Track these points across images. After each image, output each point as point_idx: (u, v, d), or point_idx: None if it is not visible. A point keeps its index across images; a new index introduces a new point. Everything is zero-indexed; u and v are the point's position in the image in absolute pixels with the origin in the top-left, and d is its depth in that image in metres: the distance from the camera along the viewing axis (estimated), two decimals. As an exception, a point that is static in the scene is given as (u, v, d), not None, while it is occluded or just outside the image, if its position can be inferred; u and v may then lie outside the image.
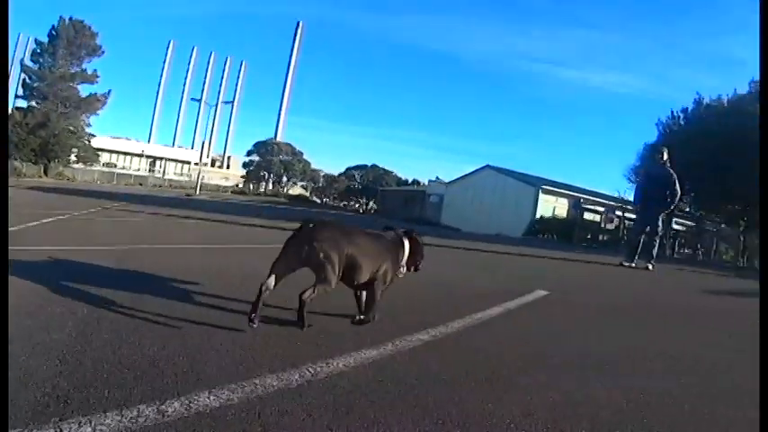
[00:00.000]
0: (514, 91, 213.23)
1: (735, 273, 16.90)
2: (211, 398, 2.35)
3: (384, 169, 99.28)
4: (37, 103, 58.61)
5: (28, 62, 61.68)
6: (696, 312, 6.85)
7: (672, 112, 31.40)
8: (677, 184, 12.21)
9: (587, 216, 31.46)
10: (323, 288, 3.48)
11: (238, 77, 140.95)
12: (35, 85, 58.94)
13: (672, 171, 12.31)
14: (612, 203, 31.39)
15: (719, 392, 3.31)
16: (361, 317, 3.84)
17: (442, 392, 2.74)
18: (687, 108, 30.70)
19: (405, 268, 4.25)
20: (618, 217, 29.27)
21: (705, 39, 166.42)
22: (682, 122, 30.16)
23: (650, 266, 12.07)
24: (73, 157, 61.84)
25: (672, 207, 12.73)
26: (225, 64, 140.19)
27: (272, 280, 3.47)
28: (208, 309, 4.00)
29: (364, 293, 3.96)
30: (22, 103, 60.46)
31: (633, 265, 12.22)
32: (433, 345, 3.59)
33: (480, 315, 4.67)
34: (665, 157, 12.55)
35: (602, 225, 30.51)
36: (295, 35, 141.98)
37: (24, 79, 60.48)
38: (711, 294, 9.64)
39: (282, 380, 2.66)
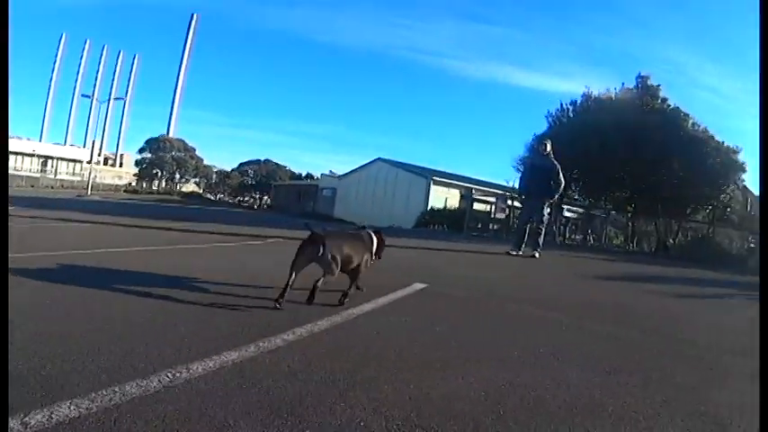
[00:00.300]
0: (404, 83, 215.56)
1: (622, 257, 17.88)
2: (72, 408, 2.35)
3: (277, 164, 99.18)
4: None
5: None
6: (568, 301, 7.15)
7: (561, 104, 32.05)
8: (560, 175, 12.73)
9: (478, 206, 32.09)
10: (330, 277, 4.89)
11: (131, 72, 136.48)
12: None
13: (555, 162, 12.82)
14: (503, 193, 32.13)
15: (576, 381, 3.51)
16: (348, 291, 5.23)
17: (297, 393, 2.82)
18: (576, 101, 31.50)
19: (375, 256, 5.81)
20: (508, 206, 30.03)
21: (599, 33, 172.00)
22: (571, 114, 30.98)
23: (537, 254, 12.57)
24: None
25: (556, 197, 13.30)
26: (118, 58, 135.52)
27: (294, 274, 4.82)
28: (62, 320, 3.93)
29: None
30: None
31: (520, 253, 12.65)
32: (297, 345, 3.66)
33: (350, 312, 4.77)
34: (549, 148, 13.04)
35: (493, 215, 31.23)
36: (189, 27, 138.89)
37: None
38: (592, 280, 10.11)
39: (141, 387, 2.67)
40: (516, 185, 30.93)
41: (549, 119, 31.81)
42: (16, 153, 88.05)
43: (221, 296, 5.02)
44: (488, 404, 2.91)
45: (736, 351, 4.89)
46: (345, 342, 3.91)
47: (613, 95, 30.30)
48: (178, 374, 2.88)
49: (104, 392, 2.57)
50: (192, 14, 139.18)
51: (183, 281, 5.71)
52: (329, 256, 4.84)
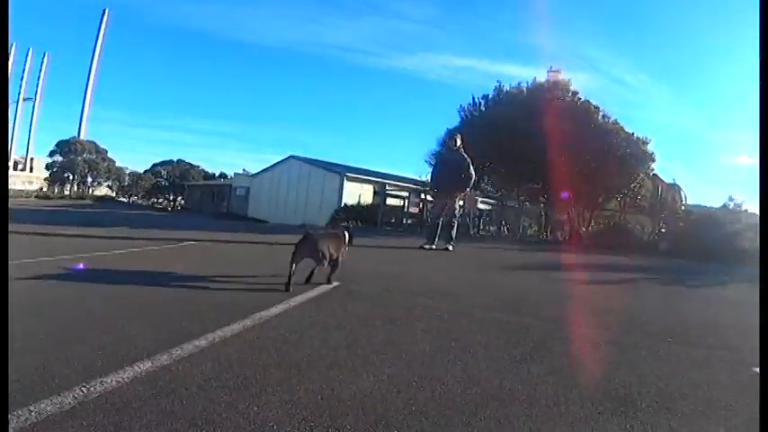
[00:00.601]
0: (317, 79, 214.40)
1: (535, 246, 18.46)
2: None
3: (190, 164, 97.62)
4: None
5: None
6: (479, 293, 7.28)
7: (473, 98, 32.71)
8: (471, 168, 13.05)
9: (391, 201, 32.27)
10: (321, 266, 6.56)
11: (41, 71, 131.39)
12: None
13: (465, 156, 13.16)
14: (415, 187, 32.46)
15: (487, 372, 3.64)
16: (330, 278, 6.78)
17: (211, 400, 2.86)
18: (488, 95, 32.15)
19: (347, 247, 7.29)
20: (421, 200, 30.39)
21: (510, 29, 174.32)
22: (483, 108, 31.48)
23: (450, 247, 12.89)
24: None
25: (467, 190, 13.59)
26: (27, 56, 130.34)
27: (294, 266, 6.22)
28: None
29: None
30: None
31: (433, 246, 12.91)
32: (210, 351, 3.69)
33: (262, 314, 4.81)
34: (459, 143, 13.39)
35: (406, 209, 31.54)
36: (101, 23, 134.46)
37: None
38: (503, 270, 10.39)
39: (56, 404, 2.66)
40: (428, 179, 31.53)
41: (462, 113, 32.34)
42: None
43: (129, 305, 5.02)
44: (400, 400, 3.00)
45: (646, 332, 5.14)
46: (258, 345, 3.95)
47: (525, 89, 31.08)
48: (92, 389, 2.88)
49: (20, 412, 2.56)
50: (104, 10, 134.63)
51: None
52: (320, 253, 6.46)
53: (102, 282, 6.29)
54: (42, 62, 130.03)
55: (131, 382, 3.02)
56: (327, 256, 6.60)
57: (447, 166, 13.50)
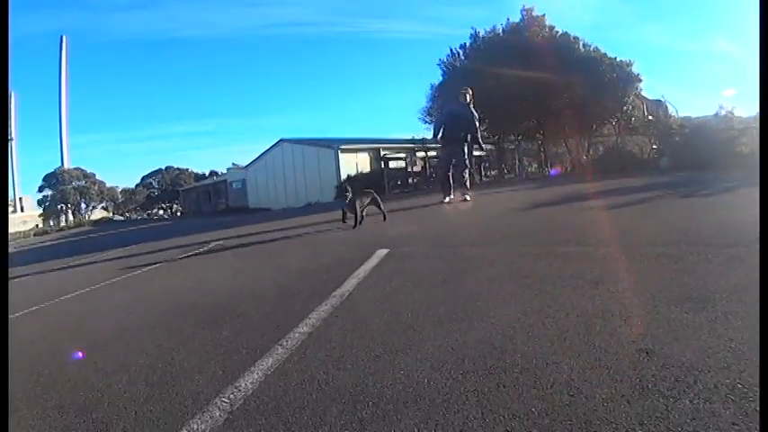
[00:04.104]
0: (290, 60, 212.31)
1: (543, 182, 18.69)
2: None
3: (179, 168, 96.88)
4: None
5: None
6: (513, 232, 7.48)
7: (451, 49, 32.63)
8: (478, 122, 13.38)
9: (392, 164, 32.46)
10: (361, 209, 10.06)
11: (9, 111, 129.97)
12: None
13: (474, 111, 13.31)
14: (413, 146, 32.60)
15: (574, 297, 3.86)
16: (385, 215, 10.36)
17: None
18: (465, 44, 32.13)
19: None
20: (421, 158, 30.62)
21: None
22: (462, 58, 31.53)
23: (467, 197, 13.16)
24: None
25: (476, 143, 13.73)
26: None
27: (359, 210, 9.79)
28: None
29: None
30: None
31: (452, 198, 13.22)
32: (317, 336, 3.76)
33: (340, 291, 4.93)
34: (469, 98, 13.39)
35: (409, 169, 31.76)
36: (60, 51, 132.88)
37: None
38: (532, 209, 10.43)
39: (206, 420, 2.67)
40: (425, 136, 31.62)
41: (443, 66, 32.32)
42: None
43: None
44: (518, 339, 3.20)
45: (687, 242, 5.28)
46: (359, 317, 4.11)
47: (501, 31, 31.09)
48: (233, 396, 2.92)
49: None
50: (62, 36, 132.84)
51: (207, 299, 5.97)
52: (356, 204, 9.94)
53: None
54: (9, 103, 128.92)
55: (267, 378, 3.10)
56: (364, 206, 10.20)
57: (455, 119, 13.50)
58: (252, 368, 3.22)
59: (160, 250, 11.55)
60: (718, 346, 2.70)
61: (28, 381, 3.65)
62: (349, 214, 10.02)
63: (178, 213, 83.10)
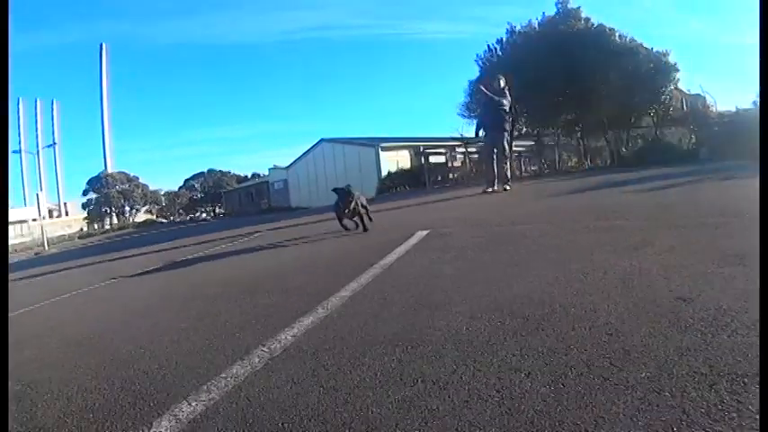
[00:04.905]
0: (325, 63, 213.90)
1: (582, 174, 18.61)
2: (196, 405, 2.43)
3: (221, 171, 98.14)
4: None
5: None
6: (552, 212, 7.58)
7: (488, 45, 32.54)
8: (512, 108, 13.41)
9: (432, 160, 32.51)
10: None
11: (53, 119, 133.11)
12: None
13: (509, 96, 13.36)
14: (453, 143, 32.63)
15: (613, 257, 3.91)
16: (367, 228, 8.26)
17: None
18: (501, 39, 31.99)
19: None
20: (462, 153, 30.62)
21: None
22: (499, 53, 31.50)
23: (507, 187, 13.22)
24: None
25: (512, 129, 13.81)
26: (35, 108, 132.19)
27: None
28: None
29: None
30: None
31: (495, 189, 13.27)
32: (357, 298, 3.89)
33: (382, 263, 5.08)
34: (503, 84, 13.48)
35: (450, 164, 31.79)
36: (101, 58, 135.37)
37: None
38: (563, 195, 10.52)
39: (245, 366, 2.76)
40: (462, 133, 31.60)
41: (480, 62, 32.19)
42: None
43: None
44: (557, 292, 3.27)
45: (724, 213, 5.43)
46: (404, 280, 4.26)
47: (537, 26, 30.98)
48: (274, 346, 3.05)
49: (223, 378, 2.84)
50: (101, 44, 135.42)
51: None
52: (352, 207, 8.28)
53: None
54: (52, 110, 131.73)
55: (307, 333, 3.20)
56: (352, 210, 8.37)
57: (491, 108, 13.56)
58: (293, 325, 3.35)
59: (209, 241, 11.80)
60: (753, 292, 2.71)
61: (77, 343, 3.88)
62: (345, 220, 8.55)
63: (221, 215, 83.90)
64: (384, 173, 39.04)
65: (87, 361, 3.34)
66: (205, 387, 2.52)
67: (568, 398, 1.86)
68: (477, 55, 32.82)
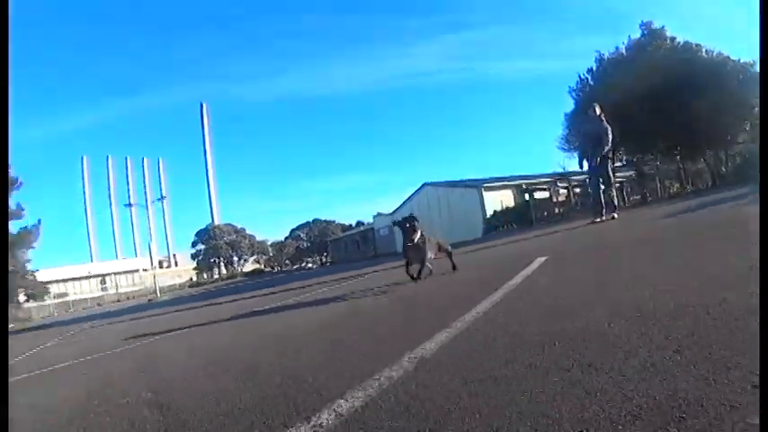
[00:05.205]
0: (411, 110, 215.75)
1: (685, 197, 18.49)
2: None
3: (326, 221, 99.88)
4: (-33, 255, 56.03)
5: (-62, 220, 59.28)
6: (674, 231, 8.10)
7: (579, 76, 33.14)
8: (609, 135, 13.36)
9: (536, 195, 32.81)
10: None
11: (159, 175, 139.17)
12: (-41, 240, 56.25)
13: (605, 124, 13.47)
14: (553, 178, 32.99)
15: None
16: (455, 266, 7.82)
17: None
18: (592, 68, 32.53)
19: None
20: (564, 187, 30.94)
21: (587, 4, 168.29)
22: (591, 83, 32.07)
23: (615, 215, 13.33)
24: (22, 297, 59.08)
25: (613, 156, 13.97)
26: (143, 165, 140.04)
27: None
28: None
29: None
30: (-52, 265, 58.12)
31: (604, 218, 13.39)
32: (496, 307, 4.21)
33: (509, 284, 5.29)
34: (598, 111, 13.67)
35: (554, 199, 32.11)
36: (202, 117, 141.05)
37: (-51, 238, 58.23)
38: (682, 214, 10.69)
39: (397, 369, 2.93)
40: (564, 166, 31.78)
41: (573, 94, 32.75)
42: (74, 279, 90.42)
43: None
44: (683, 290, 3.43)
45: None
46: (534, 295, 4.56)
47: (624, 51, 31.19)
48: (414, 356, 3.17)
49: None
50: (201, 104, 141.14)
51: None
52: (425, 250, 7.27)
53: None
54: (159, 168, 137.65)
55: (440, 350, 3.26)
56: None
57: (589, 138, 13.86)
58: (436, 335, 3.53)
59: (323, 282, 12.57)
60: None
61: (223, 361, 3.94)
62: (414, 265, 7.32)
63: (327, 263, 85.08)
64: (488, 213, 39.20)
65: (231, 371, 3.84)
66: (360, 386, 2.73)
67: (714, 369, 1.98)
68: (570, 87, 33.34)
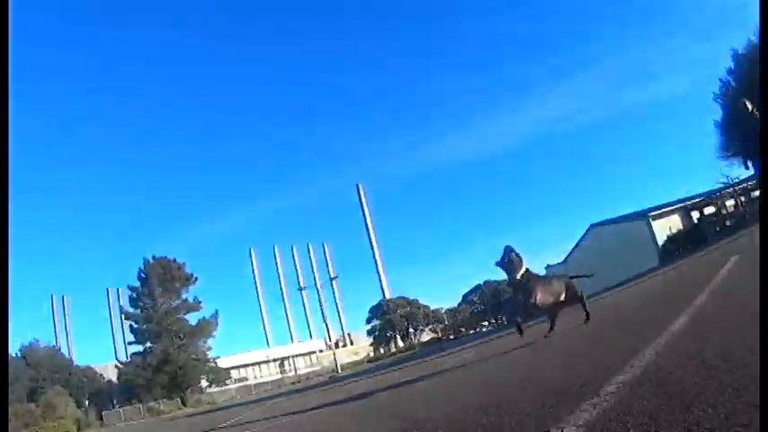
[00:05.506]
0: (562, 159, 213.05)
1: None
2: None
3: (497, 281, 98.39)
4: (151, 343, 61.41)
5: (128, 309, 65.35)
6: None
7: (720, 80, 31.45)
8: None
9: (706, 211, 31.91)
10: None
11: (326, 259, 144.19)
12: (143, 327, 61.81)
13: (758, 117, 12.62)
14: (719, 192, 31.79)
15: None
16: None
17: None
18: (730, 68, 30.66)
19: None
20: (732, 195, 29.56)
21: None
22: (733, 83, 30.04)
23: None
24: (204, 382, 63.04)
25: None
26: (308, 252, 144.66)
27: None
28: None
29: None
30: (137, 348, 63.88)
31: None
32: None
33: (716, 279, 6.02)
34: (750, 107, 13.03)
35: (723, 212, 30.75)
36: (360, 198, 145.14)
37: (131, 325, 63.92)
38: None
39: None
40: (728, 176, 30.48)
41: (718, 99, 31.48)
42: (253, 364, 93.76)
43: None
44: None
45: None
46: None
47: (756, 39, 29.50)
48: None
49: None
50: (357, 185, 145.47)
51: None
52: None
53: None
54: (324, 251, 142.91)
55: (631, 382, 3.37)
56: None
57: (748, 135, 13.52)
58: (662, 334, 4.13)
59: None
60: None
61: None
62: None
63: (505, 324, 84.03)
64: (660, 241, 38.31)
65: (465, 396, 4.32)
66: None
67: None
68: (714, 93, 31.87)
